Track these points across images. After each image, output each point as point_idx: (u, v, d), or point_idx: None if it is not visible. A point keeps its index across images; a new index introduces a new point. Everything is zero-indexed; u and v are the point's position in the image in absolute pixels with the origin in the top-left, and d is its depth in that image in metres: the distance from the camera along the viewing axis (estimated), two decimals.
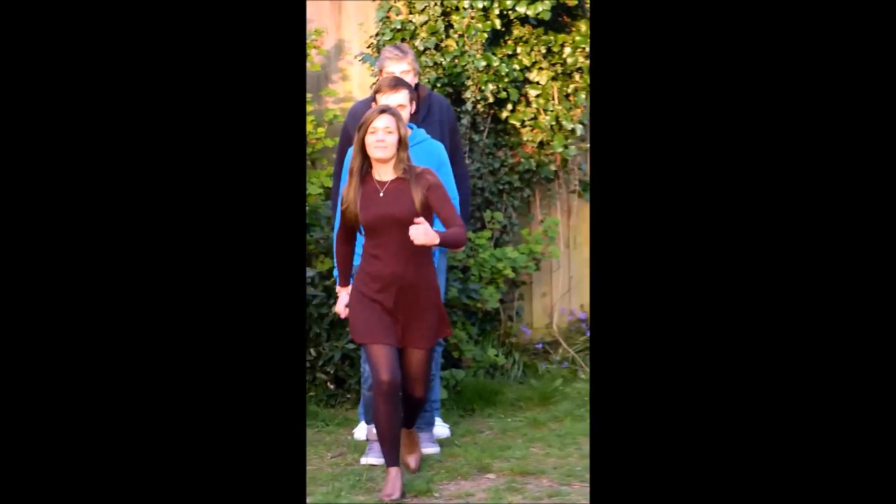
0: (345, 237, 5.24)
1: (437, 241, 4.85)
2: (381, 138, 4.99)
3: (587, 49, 6.90)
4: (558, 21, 7.01)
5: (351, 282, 5.35)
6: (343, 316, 5.26)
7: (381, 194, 5.03)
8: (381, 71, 5.80)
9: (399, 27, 6.82)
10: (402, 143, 5.06)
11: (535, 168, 7.02)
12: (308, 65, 6.74)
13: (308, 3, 6.91)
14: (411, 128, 5.59)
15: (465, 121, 6.75)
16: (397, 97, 5.44)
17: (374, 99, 5.64)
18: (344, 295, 5.29)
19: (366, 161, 5.12)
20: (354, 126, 5.39)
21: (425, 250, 5.04)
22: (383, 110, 5.04)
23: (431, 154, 5.57)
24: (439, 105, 5.92)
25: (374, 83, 5.82)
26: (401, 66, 5.71)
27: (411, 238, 4.85)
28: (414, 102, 5.58)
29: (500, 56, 6.93)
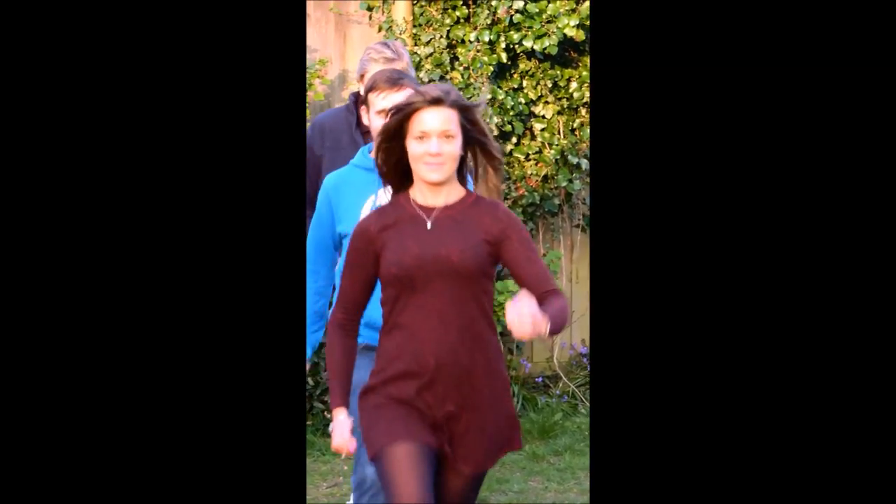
0: (346, 320, 3.28)
1: (546, 329, 2.93)
2: (435, 150, 3.13)
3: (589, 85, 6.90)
4: (565, 56, 7.04)
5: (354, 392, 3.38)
6: (347, 452, 3.28)
7: (430, 226, 3.18)
8: (361, 77, 4.36)
9: None
10: (484, 151, 3.23)
11: (538, 202, 7.02)
12: (312, 94, 6.74)
13: (313, 33, 6.96)
14: None
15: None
16: (399, 97, 3.81)
17: (357, 105, 4.53)
18: (343, 419, 3.23)
19: (403, 177, 3.27)
20: (322, 146, 4.50)
21: (486, 315, 3.18)
22: (437, 99, 3.13)
23: None
24: None
25: (363, 78, 4.34)
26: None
27: (510, 327, 2.92)
28: None
29: (505, 89, 6.96)
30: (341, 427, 3.21)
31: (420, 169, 3.16)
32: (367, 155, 3.98)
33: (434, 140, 3.11)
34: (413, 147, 3.15)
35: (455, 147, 3.14)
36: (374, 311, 3.54)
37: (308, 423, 6.29)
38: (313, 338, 4.09)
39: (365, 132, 4.37)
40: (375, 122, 3.86)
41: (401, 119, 3.17)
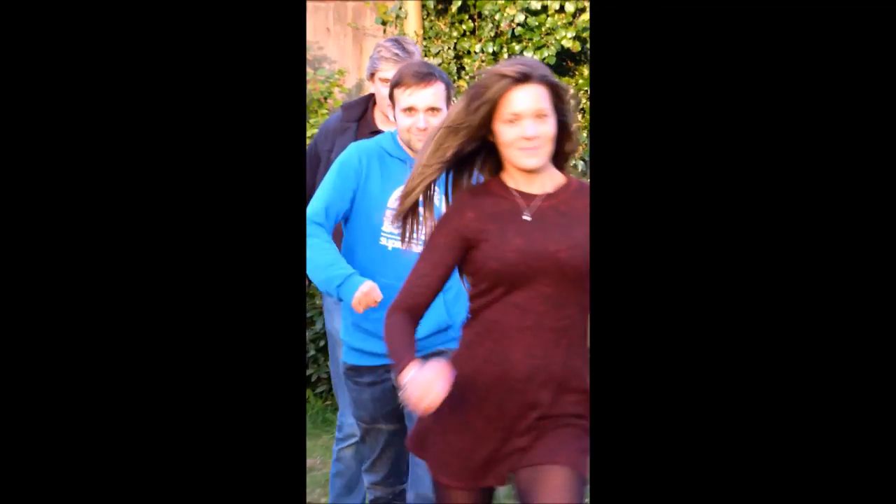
0: (415, 307, 2.85)
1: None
2: (532, 133, 2.72)
3: (589, 91, 7.23)
4: (562, 66, 7.33)
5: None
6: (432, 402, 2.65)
7: (531, 217, 2.78)
8: (371, 76, 4.10)
9: None
10: (566, 134, 2.78)
11: None
12: (331, 102, 7.09)
13: (333, 46, 7.38)
14: None
15: None
16: (427, 95, 3.54)
17: (366, 107, 4.23)
18: (416, 368, 2.69)
19: (488, 158, 2.83)
20: (325, 147, 4.21)
21: (585, 318, 2.79)
22: (525, 76, 2.71)
23: None
24: None
25: (373, 77, 4.11)
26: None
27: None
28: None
29: None
30: (421, 374, 2.67)
31: (514, 155, 2.75)
32: (397, 143, 3.65)
33: (528, 121, 2.71)
34: (504, 132, 2.73)
35: (550, 127, 2.73)
36: (378, 310, 3.45)
37: (328, 402, 6.48)
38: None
39: (373, 131, 4.10)
40: (402, 120, 3.56)
41: (490, 108, 2.73)
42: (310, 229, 3.53)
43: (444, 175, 2.86)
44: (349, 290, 3.41)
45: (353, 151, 3.63)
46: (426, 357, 3.33)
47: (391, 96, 3.59)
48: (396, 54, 3.98)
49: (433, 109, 3.52)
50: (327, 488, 4.93)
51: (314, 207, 3.58)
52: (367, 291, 3.38)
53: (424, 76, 3.51)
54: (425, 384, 2.63)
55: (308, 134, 6.74)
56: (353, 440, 4.25)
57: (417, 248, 3.01)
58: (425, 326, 3.33)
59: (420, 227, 2.91)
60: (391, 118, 3.68)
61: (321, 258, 3.49)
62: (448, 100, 3.56)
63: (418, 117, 3.53)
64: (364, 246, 3.63)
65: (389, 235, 3.59)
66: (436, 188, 2.90)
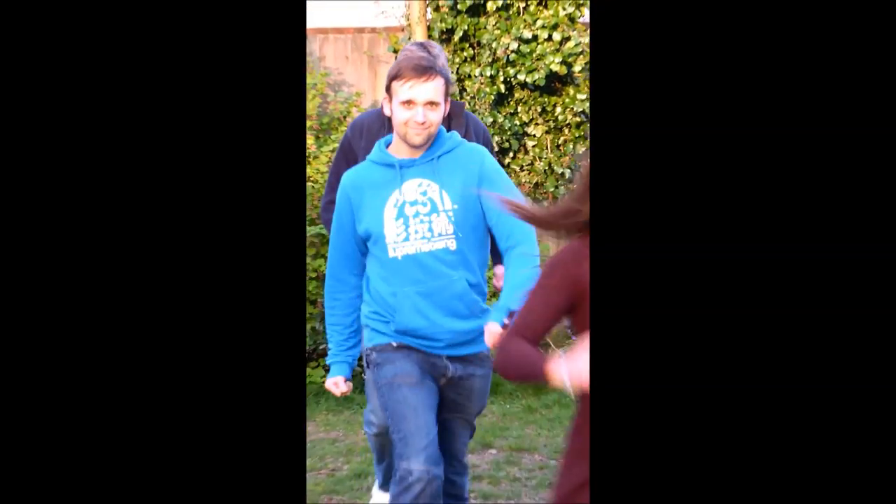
0: (525, 336, 2.51)
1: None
2: None
3: (574, 108, 7.69)
4: (551, 86, 7.85)
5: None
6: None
7: None
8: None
9: None
10: None
11: None
12: (349, 120, 7.55)
13: (351, 71, 7.96)
14: (442, 132, 3.54)
15: None
16: (427, 89, 3.37)
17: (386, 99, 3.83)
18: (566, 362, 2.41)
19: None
20: (360, 143, 4.05)
21: None
22: None
23: (472, 160, 3.49)
24: (475, 126, 4.24)
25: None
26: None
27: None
28: (449, 102, 3.53)
29: (503, 114, 7.72)
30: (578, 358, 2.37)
31: None
32: (384, 150, 3.53)
33: None
34: None
35: None
36: (410, 319, 3.52)
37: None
38: (351, 355, 3.65)
39: None
40: (399, 113, 3.41)
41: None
42: (326, 305, 3.63)
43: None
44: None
45: (340, 185, 3.56)
46: (458, 358, 3.61)
47: (388, 89, 3.43)
48: (422, 57, 3.71)
49: (432, 104, 3.39)
50: (349, 457, 5.41)
51: (327, 282, 3.65)
52: (329, 386, 3.61)
53: (425, 70, 3.36)
54: (584, 366, 2.39)
55: (329, 148, 7.16)
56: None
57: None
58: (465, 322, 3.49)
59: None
60: (387, 111, 3.54)
61: (328, 339, 3.68)
62: (446, 95, 3.44)
63: (417, 111, 3.40)
64: (379, 262, 3.57)
65: (395, 245, 3.53)
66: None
